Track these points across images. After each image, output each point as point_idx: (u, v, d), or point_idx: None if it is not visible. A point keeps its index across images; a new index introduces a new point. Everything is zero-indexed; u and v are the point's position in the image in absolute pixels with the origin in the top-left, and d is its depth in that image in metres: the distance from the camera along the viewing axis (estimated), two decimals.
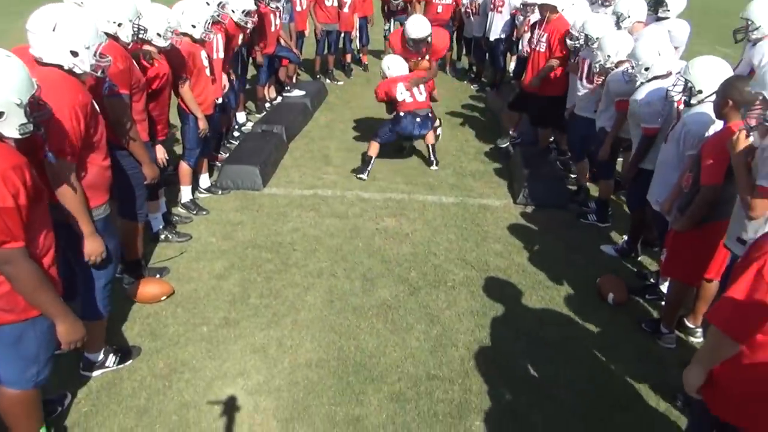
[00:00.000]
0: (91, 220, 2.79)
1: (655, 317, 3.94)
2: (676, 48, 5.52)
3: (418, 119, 6.08)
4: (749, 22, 4.57)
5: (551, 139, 6.80)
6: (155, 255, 4.49)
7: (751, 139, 2.72)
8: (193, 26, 4.61)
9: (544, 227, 5.14)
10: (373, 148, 6.12)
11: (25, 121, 2.20)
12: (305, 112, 7.81)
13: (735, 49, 7.17)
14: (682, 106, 3.79)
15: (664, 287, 4.10)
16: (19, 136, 2.21)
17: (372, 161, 6.09)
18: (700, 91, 3.47)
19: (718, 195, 3.13)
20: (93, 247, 2.83)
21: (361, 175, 6.01)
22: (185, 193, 5.16)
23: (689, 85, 3.50)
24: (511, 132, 6.92)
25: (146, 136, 3.89)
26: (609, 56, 4.68)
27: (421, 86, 6.12)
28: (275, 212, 5.27)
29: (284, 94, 8.19)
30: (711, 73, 3.41)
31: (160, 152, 4.29)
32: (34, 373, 2.48)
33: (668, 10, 5.62)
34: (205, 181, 5.52)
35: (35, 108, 2.26)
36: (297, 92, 8.20)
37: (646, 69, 4.10)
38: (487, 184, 5.99)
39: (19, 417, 2.56)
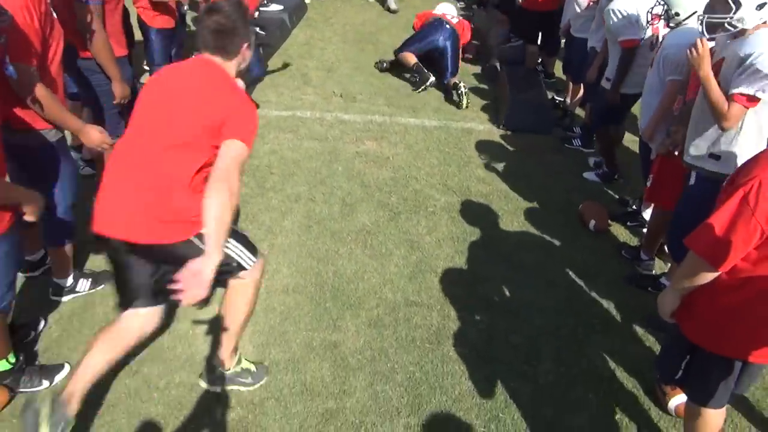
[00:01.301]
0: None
1: (635, 244, 3.92)
2: None
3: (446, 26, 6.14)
4: None
5: (539, 61, 6.59)
6: None
7: (711, 44, 2.71)
8: None
9: (528, 152, 5.04)
10: (409, 57, 6.11)
11: None
12: (283, 27, 7.44)
13: None
14: (661, 31, 3.68)
15: (646, 214, 4.07)
16: None
17: (420, 67, 6.06)
18: (677, 14, 3.33)
19: None
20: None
21: (423, 86, 6.01)
22: None
23: (665, 7, 3.36)
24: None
25: (121, 50, 3.61)
26: None
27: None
28: None
29: (260, 8, 7.75)
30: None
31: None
32: None
33: None
34: None
35: None
36: (274, 6, 7.78)
37: None
38: (472, 107, 5.82)
39: None
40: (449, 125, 5.41)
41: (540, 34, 6.28)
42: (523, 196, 4.41)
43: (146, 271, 2.29)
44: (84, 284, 3.20)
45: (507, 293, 3.46)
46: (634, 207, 4.27)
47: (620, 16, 4.04)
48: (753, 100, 2.56)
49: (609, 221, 4.10)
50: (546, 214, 4.22)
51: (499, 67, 6.45)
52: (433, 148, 5.02)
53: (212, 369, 2.68)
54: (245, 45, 2.35)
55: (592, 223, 4.05)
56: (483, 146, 5.11)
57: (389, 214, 4.11)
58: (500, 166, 4.80)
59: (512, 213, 4.21)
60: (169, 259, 2.19)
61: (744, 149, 2.69)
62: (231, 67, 2.36)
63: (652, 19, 3.68)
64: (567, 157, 5.03)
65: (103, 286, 3.27)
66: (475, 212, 4.20)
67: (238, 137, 2.14)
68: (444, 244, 3.84)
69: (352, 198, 4.26)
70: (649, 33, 4.01)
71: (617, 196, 4.52)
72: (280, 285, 3.41)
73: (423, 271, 3.59)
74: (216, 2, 2.31)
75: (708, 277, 1.95)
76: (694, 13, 3.28)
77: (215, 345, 2.78)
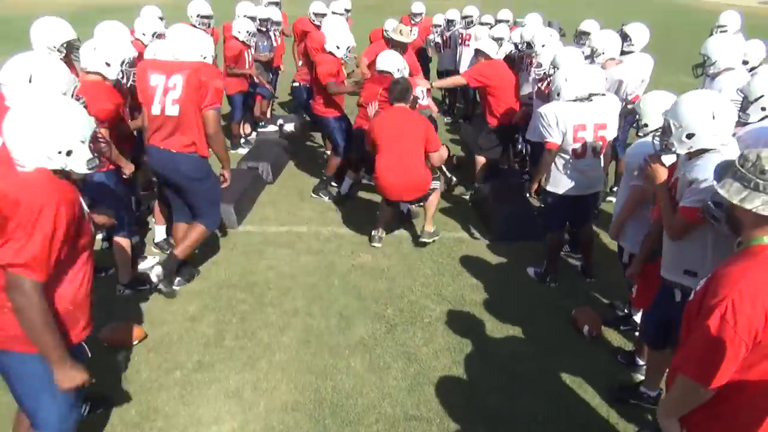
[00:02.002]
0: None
1: (630, 349, 3.97)
2: (642, 81, 5.70)
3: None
4: (706, 58, 4.74)
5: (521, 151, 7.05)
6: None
7: (672, 158, 2.99)
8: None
9: (519, 260, 5.18)
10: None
11: (90, 156, 2.38)
12: (286, 147, 7.79)
13: (699, 78, 7.42)
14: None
15: (638, 317, 4.15)
16: (89, 171, 2.39)
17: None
18: (645, 125, 3.59)
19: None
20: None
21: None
22: (159, 233, 5.10)
23: (636, 117, 3.66)
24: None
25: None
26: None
27: None
28: (250, 250, 5.23)
29: (259, 130, 8.21)
30: (658, 108, 3.51)
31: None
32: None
33: (633, 45, 5.82)
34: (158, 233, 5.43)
35: (96, 142, 2.45)
36: (272, 127, 8.22)
37: (558, 95, 4.35)
38: (463, 218, 6.02)
39: None
40: (442, 235, 5.59)
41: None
42: (517, 304, 4.50)
43: None
44: (82, 408, 3.19)
45: (505, 404, 3.47)
46: (625, 311, 4.36)
47: (543, 121, 4.33)
48: (695, 215, 2.66)
49: (602, 326, 4.17)
50: (540, 321, 4.29)
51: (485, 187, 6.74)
52: (426, 259, 5.16)
53: None
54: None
55: (586, 328, 4.12)
56: (475, 255, 5.26)
57: (386, 327, 4.17)
58: (492, 275, 4.93)
59: (506, 321, 4.28)
60: None
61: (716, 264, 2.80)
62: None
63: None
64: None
65: (101, 410, 3.28)
66: (470, 322, 4.27)
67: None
68: (441, 355, 3.88)
69: (349, 311, 4.34)
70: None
71: (608, 301, 4.61)
72: (279, 402, 3.41)
73: (421, 383, 3.61)
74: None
75: (702, 398, 1.99)
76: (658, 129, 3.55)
77: None
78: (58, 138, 2.26)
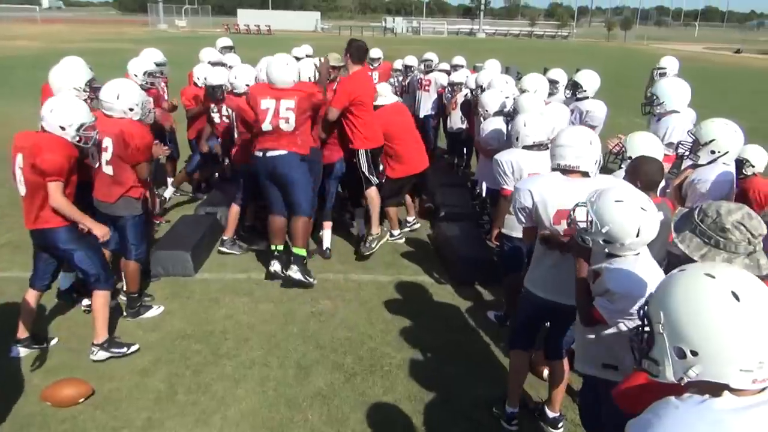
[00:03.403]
0: None
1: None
2: (594, 126, 5.86)
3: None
4: (655, 98, 4.90)
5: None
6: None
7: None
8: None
9: (478, 302, 5.18)
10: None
11: None
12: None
13: (629, 118, 7.73)
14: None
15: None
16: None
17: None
18: (630, 158, 3.62)
19: None
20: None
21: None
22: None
23: (623, 150, 3.73)
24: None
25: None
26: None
27: None
28: (207, 299, 5.11)
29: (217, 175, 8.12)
30: (643, 145, 3.60)
31: None
32: None
33: (585, 91, 6.00)
34: None
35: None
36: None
37: (516, 139, 4.34)
38: (422, 260, 6.03)
39: None
40: (401, 279, 5.57)
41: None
42: (477, 349, 4.48)
43: None
44: None
45: None
46: None
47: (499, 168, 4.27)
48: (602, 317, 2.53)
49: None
50: (501, 366, 4.26)
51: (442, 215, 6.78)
52: (387, 304, 5.11)
53: None
54: None
55: (546, 373, 4.10)
56: (436, 299, 5.25)
57: (345, 376, 4.08)
58: (453, 319, 4.91)
59: (467, 366, 4.24)
60: None
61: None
62: None
63: None
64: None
65: None
66: (431, 368, 4.22)
67: None
68: (402, 404, 3.81)
69: (307, 360, 4.25)
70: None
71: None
72: None
73: None
74: None
75: None
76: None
77: None
78: None
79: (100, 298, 4.08)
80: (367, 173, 5.78)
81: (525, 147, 4.25)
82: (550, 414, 3.64)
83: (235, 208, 6.00)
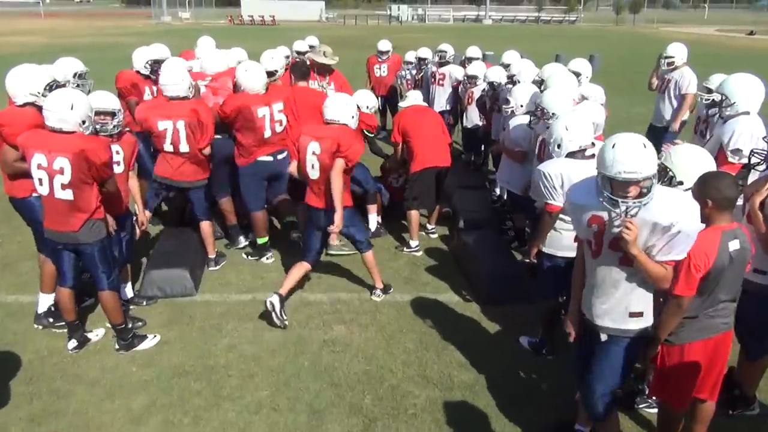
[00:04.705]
0: None
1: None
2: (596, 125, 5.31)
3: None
4: (724, 98, 4.28)
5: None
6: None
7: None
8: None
9: (510, 326, 4.65)
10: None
11: None
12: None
13: (649, 107, 7.34)
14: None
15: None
16: None
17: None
18: (680, 182, 3.10)
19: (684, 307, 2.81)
20: None
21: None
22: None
23: (670, 173, 3.14)
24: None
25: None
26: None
27: None
28: (208, 325, 4.63)
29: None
30: (693, 164, 3.07)
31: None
32: None
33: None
34: (127, 291, 4.84)
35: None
36: None
37: (558, 146, 3.81)
38: (443, 275, 5.50)
39: None
40: (422, 299, 5.06)
41: None
42: (512, 382, 3.98)
43: None
44: None
45: None
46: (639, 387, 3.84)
47: (545, 181, 3.76)
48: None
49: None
50: (539, 403, 3.76)
51: (462, 225, 6.24)
52: (407, 329, 4.61)
53: None
54: None
55: None
56: (461, 323, 4.73)
57: (364, 422, 3.59)
58: (482, 346, 4.39)
59: (502, 406, 3.74)
60: None
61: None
62: None
63: None
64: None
65: None
66: (461, 410, 3.72)
67: None
68: None
69: (321, 403, 3.76)
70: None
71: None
72: None
73: None
74: None
75: None
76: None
77: None
78: None
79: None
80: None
81: (569, 154, 3.71)
82: None
83: (205, 225, 5.49)
